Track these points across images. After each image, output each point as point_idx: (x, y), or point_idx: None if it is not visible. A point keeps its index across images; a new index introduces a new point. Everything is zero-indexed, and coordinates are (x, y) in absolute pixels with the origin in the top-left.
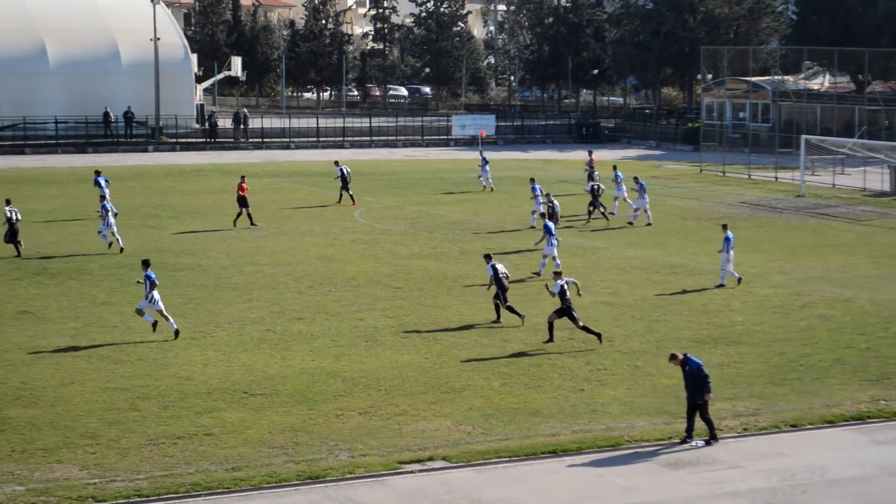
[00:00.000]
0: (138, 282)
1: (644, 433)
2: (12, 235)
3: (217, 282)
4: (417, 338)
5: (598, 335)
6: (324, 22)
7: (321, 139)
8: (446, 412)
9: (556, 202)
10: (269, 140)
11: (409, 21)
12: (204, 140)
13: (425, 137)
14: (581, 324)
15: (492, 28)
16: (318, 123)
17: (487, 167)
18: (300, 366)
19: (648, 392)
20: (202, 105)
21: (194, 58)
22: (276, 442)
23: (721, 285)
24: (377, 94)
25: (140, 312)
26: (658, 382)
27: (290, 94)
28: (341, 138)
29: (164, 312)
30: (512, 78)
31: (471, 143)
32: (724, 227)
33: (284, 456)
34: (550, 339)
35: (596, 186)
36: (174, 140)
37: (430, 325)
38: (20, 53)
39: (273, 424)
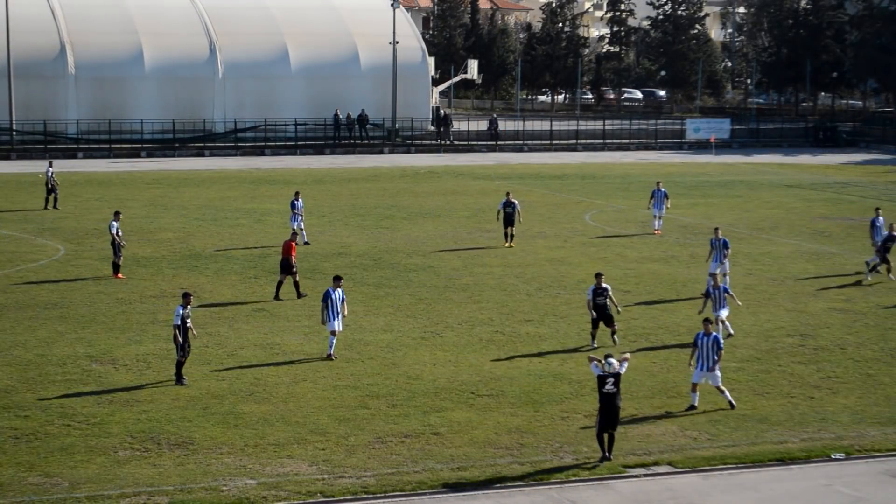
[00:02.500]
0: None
1: (875, 443)
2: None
3: (447, 283)
4: (645, 342)
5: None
6: (560, 25)
7: (554, 142)
8: (672, 417)
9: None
10: (503, 143)
11: (645, 24)
12: (438, 142)
13: (658, 140)
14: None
15: (730, 30)
16: (551, 126)
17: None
18: (527, 367)
19: (881, 401)
20: (438, 108)
21: (431, 61)
22: (502, 442)
23: None
24: (611, 97)
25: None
26: (891, 392)
27: (524, 96)
28: (574, 141)
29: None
30: (748, 81)
31: (704, 146)
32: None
33: (509, 457)
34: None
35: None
36: (409, 142)
37: (658, 330)
38: (264, 57)
39: (499, 425)
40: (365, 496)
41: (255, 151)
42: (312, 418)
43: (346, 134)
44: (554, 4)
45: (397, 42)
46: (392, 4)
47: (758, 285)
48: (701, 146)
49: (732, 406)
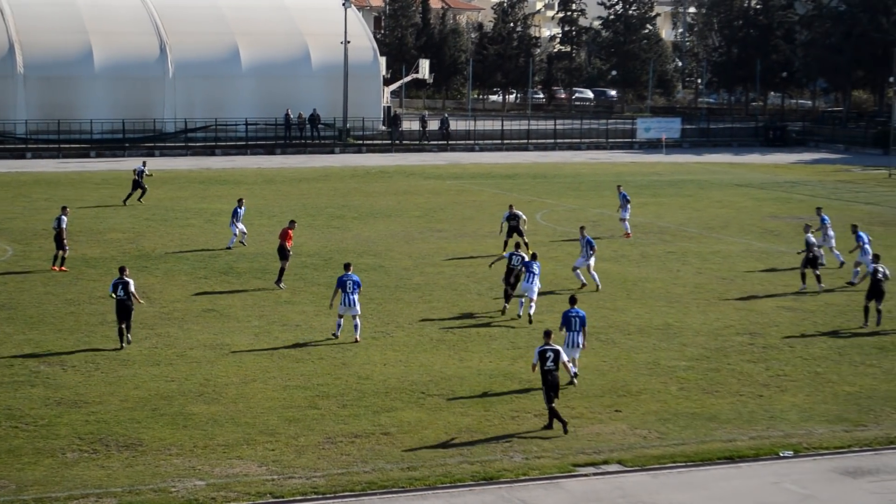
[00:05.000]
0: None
1: (823, 441)
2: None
3: (398, 282)
4: (595, 341)
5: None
6: (512, 25)
7: (505, 141)
8: (622, 416)
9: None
10: (455, 142)
11: (597, 23)
12: (389, 142)
13: (609, 140)
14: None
15: (681, 30)
16: (503, 126)
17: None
18: (478, 367)
19: (829, 399)
20: (389, 107)
21: (383, 60)
22: (452, 442)
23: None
24: (562, 96)
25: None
26: (839, 389)
27: (475, 96)
28: (525, 141)
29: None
30: (699, 80)
31: (655, 146)
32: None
33: (459, 456)
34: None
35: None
36: (360, 142)
37: (609, 329)
38: (215, 56)
39: (449, 425)
40: (315, 496)
41: (205, 151)
42: (262, 419)
43: (297, 134)
44: (505, 4)
45: (348, 42)
46: (343, 4)
47: (707, 284)
48: (651, 146)
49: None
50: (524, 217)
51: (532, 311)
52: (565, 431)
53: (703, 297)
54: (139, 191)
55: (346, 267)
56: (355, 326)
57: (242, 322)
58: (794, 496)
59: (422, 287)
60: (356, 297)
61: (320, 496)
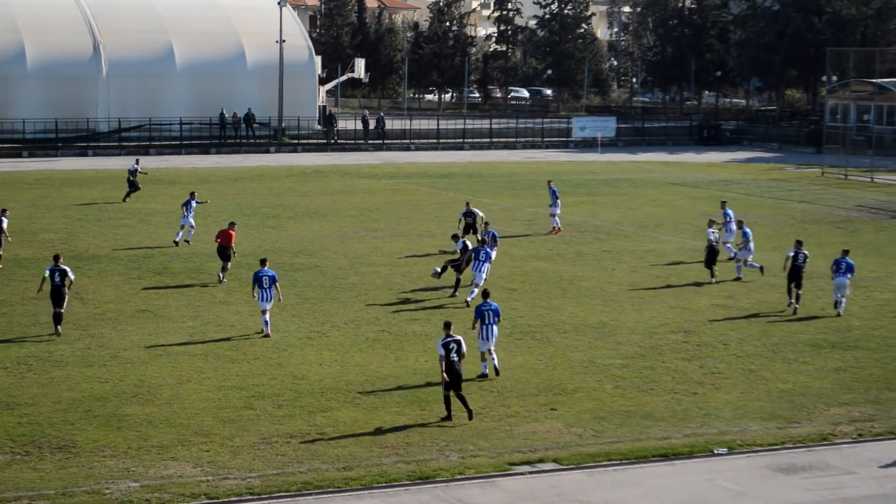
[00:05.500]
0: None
1: (757, 437)
2: None
3: (334, 282)
4: (531, 340)
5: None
6: (448, 24)
7: (441, 141)
8: (558, 414)
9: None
10: (390, 141)
11: (532, 23)
12: (325, 141)
13: (545, 139)
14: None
15: (616, 30)
16: (438, 125)
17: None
18: (413, 366)
19: (762, 396)
20: (325, 106)
21: (318, 59)
22: (388, 442)
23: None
24: (498, 95)
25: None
26: (773, 387)
27: (411, 95)
28: (461, 140)
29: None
30: (634, 80)
31: (590, 145)
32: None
33: (395, 456)
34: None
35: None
36: (296, 141)
37: (544, 327)
38: (149, 55)
39: (385, 424)
40: (250, 497)
41: (139, 151)
42: (197, 420)
43: (233, 133)
44: (441, 3)
45: (284, 41)
46: (279, 3)
47: (642, 282)
48: (587, 145)
49: (495, 373)
50: (481, 214)
51: (470, 298)
52: (469, 418)
53: (637, 296)
54: (132, 189)
55: (262, 262)
56: (265, 322)
57: (177, 323)
58: (728, 493)
59: (357, 287)
60: (273, 291)
61: (255, 497)
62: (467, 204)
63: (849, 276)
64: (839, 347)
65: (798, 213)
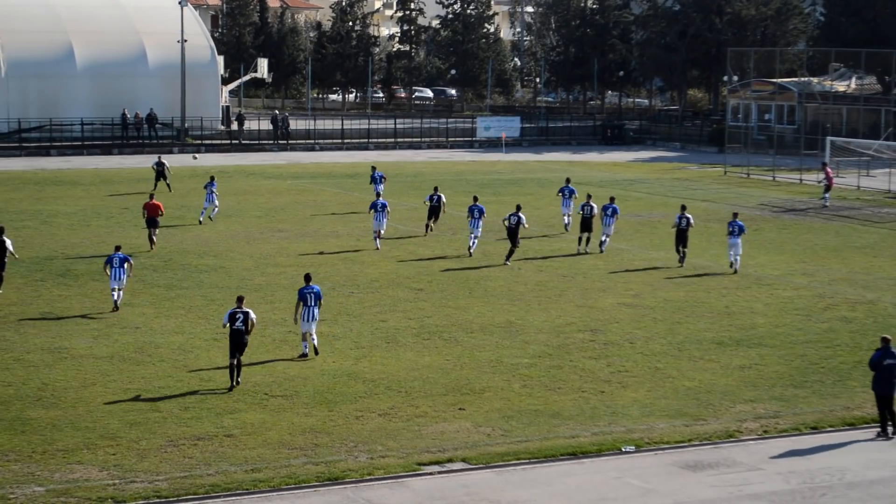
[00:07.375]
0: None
1: (664, 435)
2: None
3: (240, 283)
4: (438, 339)
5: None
6: (350, 24)
7: (346, 141)
8: (466, 414)
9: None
10: (294, 142)
11: (435, 23)
12: (229, 142)
13: (450, 139)
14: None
15: (518, 30)
16: (342, 125)
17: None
18: (321, 367)
19: (669, 394)
20: (228, 107)
21: (221, 59)
22: (296, 443)
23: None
24: (402, 95)
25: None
26: (679, 384)
27: (315, 95)
28: (366, 140)
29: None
30: (537, 80)
31: (495, 144)
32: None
33: (304, 457)
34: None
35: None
36: (199, 142)
37: (452, 327)
38: (48, 55)
39: (293, 426)
40: (157, 500)
41: (40, 152)
42: (102, 423)
43: (135, 133)
44: (344, 3)
45: (185, 40)
46: (180, 3)
47: (549, 282)
48: (492, 144)
49: (314, 353)
50: (445, 200)
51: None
52: (231, 388)
53: (544, 295)
54: (163, 181)
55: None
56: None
57: (81, 325)
58: (636, 490)
59: (264, 288)
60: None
61: (163, 500)
62: (435, 189)
63: (740, 236)
64: (744, 345)
65: (701, 213)
